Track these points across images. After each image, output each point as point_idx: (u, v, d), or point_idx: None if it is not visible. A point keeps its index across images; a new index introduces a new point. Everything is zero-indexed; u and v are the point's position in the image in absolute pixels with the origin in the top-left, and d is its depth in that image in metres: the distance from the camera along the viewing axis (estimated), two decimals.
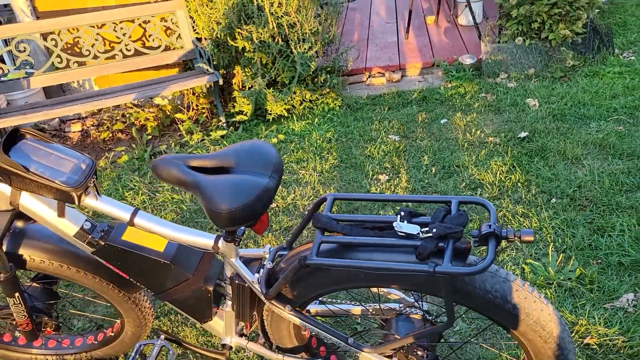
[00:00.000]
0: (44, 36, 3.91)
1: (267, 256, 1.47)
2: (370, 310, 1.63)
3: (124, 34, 3.97)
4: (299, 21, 3.69)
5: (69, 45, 4.12)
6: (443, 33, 5.23)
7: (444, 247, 1.17)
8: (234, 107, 4.08)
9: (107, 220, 1.54)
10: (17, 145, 1.36)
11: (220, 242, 1.42)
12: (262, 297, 1.42)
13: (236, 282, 1.47)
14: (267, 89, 3.78)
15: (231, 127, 3.96)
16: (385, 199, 1.32)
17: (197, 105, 4.21)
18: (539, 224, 2.51)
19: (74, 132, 4.23)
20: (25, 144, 1.37)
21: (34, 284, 1.90)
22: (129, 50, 4.01)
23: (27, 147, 1.36)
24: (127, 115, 4.25)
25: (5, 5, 4.29)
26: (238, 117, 3.96)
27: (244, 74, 3.94)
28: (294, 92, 3.94)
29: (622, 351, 1.85)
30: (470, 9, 4.67)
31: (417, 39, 5.16)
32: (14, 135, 1.37)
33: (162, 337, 1.67)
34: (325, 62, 4.26)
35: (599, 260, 2.26)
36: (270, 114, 3.94)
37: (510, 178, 2.88)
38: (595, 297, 2.08)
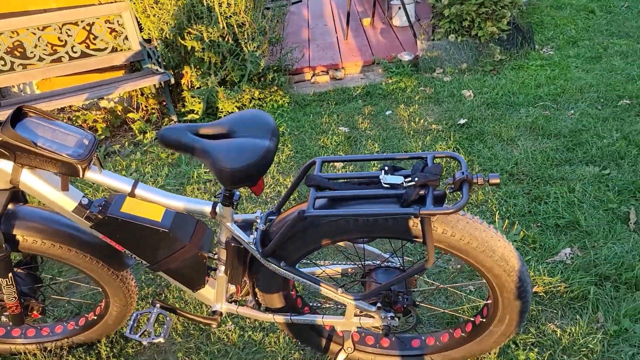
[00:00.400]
0: None
1: (258, 220, 1.61)
2: (350, 270, 1.80)
3: (69, 36, 3.97)
4: (247, 21, 3.83)
5: (10, 49, 4.06)
6: (379, 34, 5.51)
7: (425, 193, 1.35)
8: (184, 106, 4.15)
9: (103, 197, 1.62)
10: (22, 122, 1.43)
11: (218, 207, 1.55)
12: (258, 256, 1.56)
13: (232, 244, 1.60)
14: (219, 87, 3.88)
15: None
16: (369, 159, 1.50)
17: (146, 106, 4.25)
18: (484, 196, 2.77)
19: None
20: (30, 121, 1.45)
21: (19, 270, 1.94)
22: (75, 52, 4.01)
23: (32, 124, 1.44)
24: (74, 118, 4.22)
25: None
26: (189, 116, 4.03)
27: (193, 73, 4.02)
28: (244, 90, 4.06)
29: (564, 295, 2.11)
30: (405, 10, 4.96)
31: (355, 39, 5.41)
32: (19, 113, 1.44)
33: (158, 305, 1.77)
34: (272, 61, 4.41)
35: (539, 224, 2.53)
36: (221, 112, 4.05)
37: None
38: (538, 254, 2.35)
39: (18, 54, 4.01)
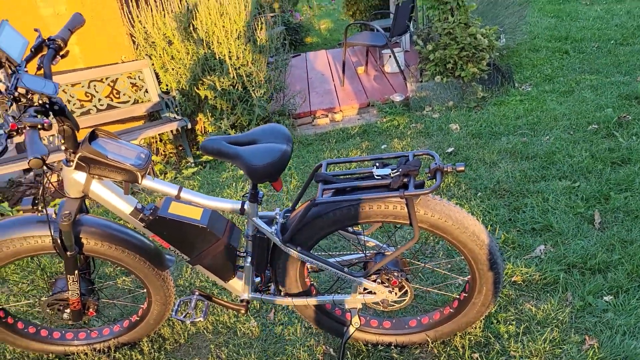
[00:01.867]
0: None
1: (277, 216, 2.00)
2: (353, 260, 2.17)
3: (96, 92, 4.45)
4: (254, 71, 4.32)
5: None
6: (373, 79, 6.03)
7: (408, 181, 1.75)
8: (198, 149, 4.60)
9: (151, 202, 2.00)
10: (95, 141, 1.85)
11: (246, 205, 1.94)
12: (279, 243, 1.94)
13: (257, 236, 1.98)
14: (230, 130, 4.34)
15: (199, 166, 4.46)
16: (364, 159, 1.90)
17: (164, 151, 4.69)
18: (470, 209, 3.15)
19: (52, 182, 4.57)
20: (101, 139, 1.86)
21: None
22: (102, 105, 4.48)
23: (102, 142, 1.86)
24: None
25: None
26: (204, 158, 4.47)
27: (206, 119, 4.49)
28: None
29: (539, 282, 2.47)
30: (395, 58, 5.49)
31: (351, 85, 5.92)
32: (92, 134, 1.86)
33: (197, 293, 2.13)
34: (276, 107, 4.89)
35: (518, 229, 2.91)
36: None
37: (444, 181, 3.54)
38: (517, 252, 2.71)
39: None
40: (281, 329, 2.47)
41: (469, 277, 2.05)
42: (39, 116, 1.65)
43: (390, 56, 6.01)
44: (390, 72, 6.11)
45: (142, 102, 4.63)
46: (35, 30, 1.86)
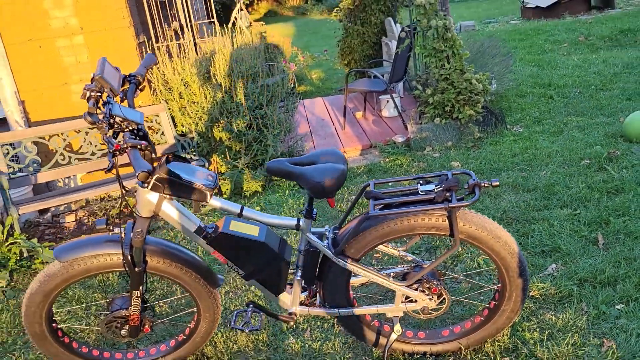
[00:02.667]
0: (41, 139, 4.52)
1: (327, 232, 2.22)
2: (392, 274, 2.39)
3: None
4: (268, 113, 4.60)
5: (64, 148, 4.74)
6: (372, 123, 6.36)
7: (450, 195, 2.00)
8: None
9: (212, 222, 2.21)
10: (169, 164, 2.07)
11: (301, 221, 2.16)
12: (331, 255, 2.15)
13: (310, 249, 2.19)
14: (247, 170, 4.57)
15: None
16: (407, 179, 2.15)
17: None
18: None
19: (68, 222, 4.73)
20: (174, 163, 2.08)
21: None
22: None
23: (175, 165, 2.08)
24: (116, 205, 4.83)
25: None
26: (223, 196, 4.68)
27: (220, 160, 4.72)
28: (265, 173, 4.75)
29: (554, 295, 2.70)
30: (395, 102, 5.84)
31: (352, 129, 6.24)
32: (167, 159, 2.08)
33: (251, 306, 2.32)
34: (284, 148, 5.16)
35: (529, 251, 3.16)
36: (246, 191, 4.71)
37: None
38: (531, 271, 2.95)
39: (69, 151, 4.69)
40: (319, 344, 2.65)
41: (499, 285, 2.28)
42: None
43: (387, 101, 6.37)
44: (388, 116, 6.46)
45: (159, 144, 4.86)
46: (115, 68, 2.10)
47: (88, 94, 1.83)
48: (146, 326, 2.45)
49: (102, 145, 4.75)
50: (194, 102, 4.64)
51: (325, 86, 9.84)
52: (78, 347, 2.56)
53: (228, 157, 4.57)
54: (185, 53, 4.80)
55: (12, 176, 4.25)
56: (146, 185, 2.07)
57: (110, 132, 1.89)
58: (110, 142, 1.82)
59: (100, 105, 1.92)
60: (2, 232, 3.77)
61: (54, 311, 2.82)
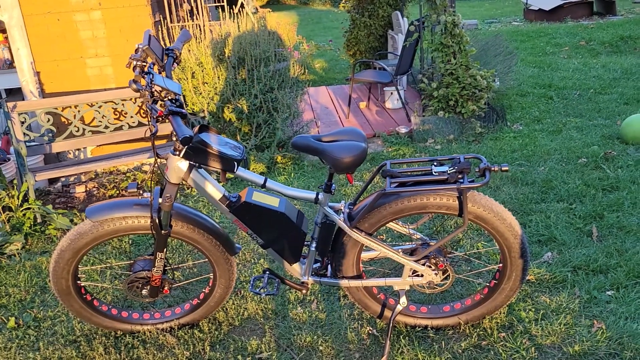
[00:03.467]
0: (56, 110, 4.62)
1: (343, 207, 2.37)
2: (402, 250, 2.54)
3: (124, 112, 4.78)
4: (278, 96, 4.73)
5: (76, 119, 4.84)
6: (375, 114, 6.50)
7: (462, 177, 2.15)
8: None
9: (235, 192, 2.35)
10: (202, 134, 2.20)
11: (320, 195, 2.31)
12: (347, 228, 2.30)
13: (326, 222, 2.34)
14: (254, 150, 4.70)
15: (221, 183, 4.79)
16: (422, 160, 2.30)
17: None
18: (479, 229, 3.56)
19: (78, 192, 4.85)
20: (206, 134, 2.22)
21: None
22: (133, 123, 4.81)
23: (207, 136, 2.21)
24: (125, 179, 4.95)
25: None
26: (228, 175, 4.81)
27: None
28: (272, 155, 4.89)
29: (549, 280, 2.87)
30: (399, 94, 5.98)
31: (356, 118, 6.38)
32: (200, 129, 2.21)
33: (268, 272, 2.46)
34: (290, 133, 5.29)
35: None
36: (253, 171, 4.84)
37: None
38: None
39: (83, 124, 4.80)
40: (325, 315, 2.80)
41: (500, 265, 2.44)
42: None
43: (392, 93, 6.51)
44: (391, 107, 6.60)
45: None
46: (157, 41, 2.22)
47: (134, 63, 1.96)
48: (165, 287, 2.59)
49: (115, 120, 4.86)
50: (206, 83, 4.76)
51: (328, 76, 9.95)
52: (99, 305, 2.69)
53: (238, 138, 4.69)
54: (202, 33, 4.90)
55: (27, 144, 4.35)
56: (178, 153, 2.20)
57: (150, 101, 2.02)
58: (154, 109, 1.95)
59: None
60: (18, 198, 3.88)
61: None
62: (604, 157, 4.44)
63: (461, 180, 2.14)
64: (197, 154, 2.18)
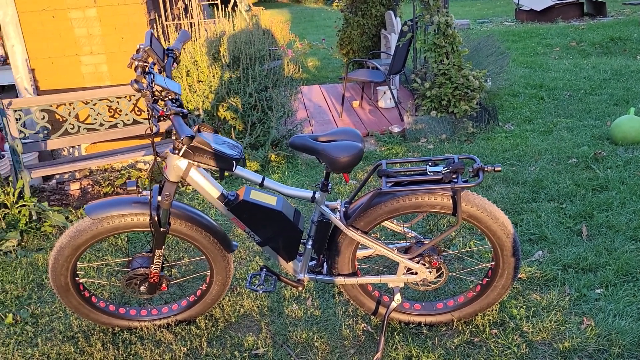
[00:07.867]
0: (51, 107, 4.62)
1: (339, 206, 2.41)
2: (396, 248, 2.58)
3: (119, 110, 4.80)
4: (273, 95, 4.76)
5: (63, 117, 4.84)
6: (368, 113, 6.55)
7: (456, 177, 2.20)
8: None
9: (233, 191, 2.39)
10: (200, 134, 2.23)
11: (317, 194, 2.35)
12: (343, 226, 2.34)
13: (322, 220, 2.38)
14: (248, 149, 4.73)
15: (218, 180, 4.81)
16: (417, 160, 2.35)
17: None
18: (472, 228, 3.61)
19: (73, 190, 4.86)
20: (205, 133, 2.25)
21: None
22: (128, 121, 4.82)
23: (206, 135, 2.24)
24: (120, 176, 4.97)
25: None
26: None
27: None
28: (266, 153, 4.92)
29: (540, 278, 2.93)
30: (392, 94, 6.03)
31: (349, 117, 6.42)
32: (198, 129, 2.25)
33: (265, 269, 2.50)
34: (284, 131, 5.32)
35: None
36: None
37: None
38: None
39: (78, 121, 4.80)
40: (320, 312, 2.84)
41: (492, 263, 2.49)
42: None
43: (385, 92, 6.56)
44: (384, 107, 6.65)
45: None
46: (158, 42, 2.24)
47: (136, 63, 1.99)
48: (163, 284, 2.62)
49: (110, 117, 4.87)
50: (200, 81, 4.78)
51: (321, 74, 9.98)
52: (96, 301, 2.72)
53: (232, 136, 4.72)
54: (197, 32, 4.93)
55: (23, 141, 4.36)
56: (177, 151, 2.23)
57: (151, 101, 2.05)
58: (155, 109, 1.98)
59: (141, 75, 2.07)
60: (13, 195, 3.89)
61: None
62: (594, 157, 4.51)
63: (455, 180, 2.19)
64: (196, 153, 2.21)
